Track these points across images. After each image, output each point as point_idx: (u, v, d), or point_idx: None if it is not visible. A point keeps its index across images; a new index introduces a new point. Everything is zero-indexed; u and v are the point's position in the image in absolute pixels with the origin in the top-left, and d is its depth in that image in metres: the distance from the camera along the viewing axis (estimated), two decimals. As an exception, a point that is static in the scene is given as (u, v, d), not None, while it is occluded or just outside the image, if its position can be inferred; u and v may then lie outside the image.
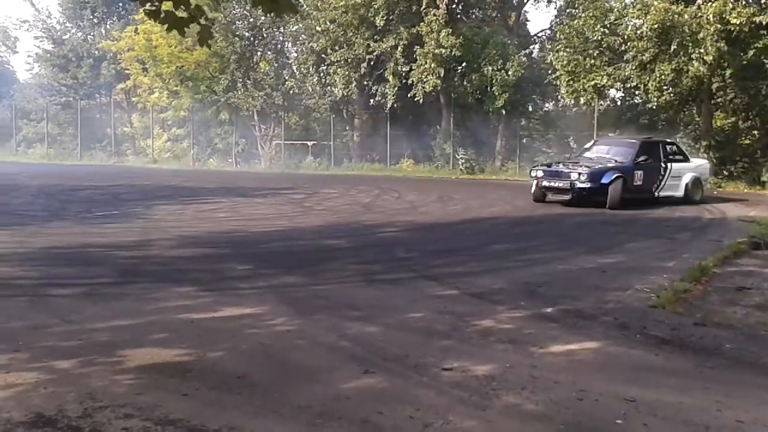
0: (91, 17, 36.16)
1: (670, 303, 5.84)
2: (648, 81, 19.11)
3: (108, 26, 36.73)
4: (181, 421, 3.39)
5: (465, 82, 25.95)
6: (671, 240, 9.98)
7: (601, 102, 23.17)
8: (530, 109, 27.42)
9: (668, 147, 15.43)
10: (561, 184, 14.24)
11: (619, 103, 24.69)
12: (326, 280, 6.92)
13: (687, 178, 15.09)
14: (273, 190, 18.13)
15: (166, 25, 4.30)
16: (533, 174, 14.97)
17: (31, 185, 18.57)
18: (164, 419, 3.41)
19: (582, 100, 21.51)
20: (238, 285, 6.69)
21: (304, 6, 26.61)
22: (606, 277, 7.18)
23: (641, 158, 14.52)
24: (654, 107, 20.43)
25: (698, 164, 15.94)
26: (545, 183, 14.53)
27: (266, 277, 6.97)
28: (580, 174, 13.95)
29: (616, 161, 14.52)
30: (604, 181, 13.75)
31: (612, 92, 22.99)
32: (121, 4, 36.03)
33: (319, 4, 26.31)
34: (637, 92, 21.58)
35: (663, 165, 14.85)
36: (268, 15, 28.78)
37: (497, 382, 3.96)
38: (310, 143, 29.66)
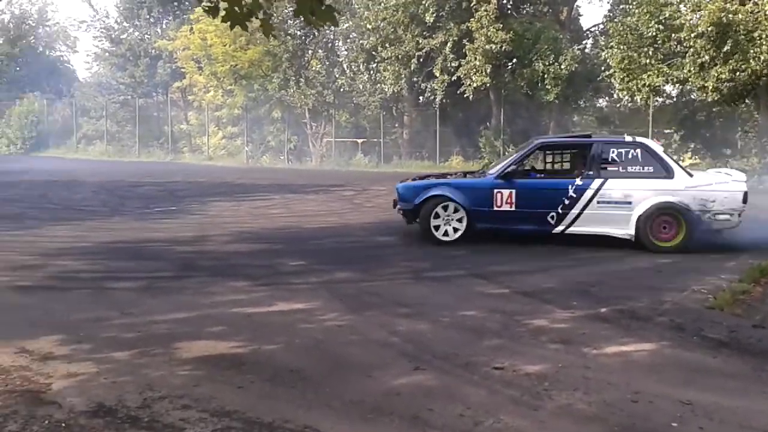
0: (148, 17, 37.03)
1: (728, 304, 5.68)
2: (706, 80, 18.51)
3: (164, 26, 37.59)
4: (236, 413, 3.48)
5: (515, 78, 25.66)
6: (729, 239, 9.67)
7: (657, 98, 22.56)
8: (583, 105, 26.91)
9: (615, 151, 8.74)
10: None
11: (675, 99, 23.99)
12: (376, 277, 6.97)
13: (642, 208, 8.42)
14: (324, 187, 18.31)
15: (228, 22, 4.39)
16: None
17: (92, 181, 19.22)
18: (220, 411, 3.50)
19: (637, 97, 20.97)
20: (290, 280, 6.80)
21: (355, 5, 26.71)
22: (662, 277, 7.02)
23: (521, 168, 9.36)
24: (711, 101, 19.75)
25: (696, 184, 8.45)
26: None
27: (318, 273, 7.07)
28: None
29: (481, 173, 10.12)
30: (416, 201, 9.15)
31: (668, 88, 22.35)
32: (176, 4, 36.82)
33: (369, 3, 26.42)
34: (693, 91, 20.91)
35: (579, 182, 8.65)
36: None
37: (549, 383, 3.93)
38: (360, 141, 29.82)
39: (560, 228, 8.71)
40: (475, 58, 23.90)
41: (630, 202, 8.47)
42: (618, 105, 26.87)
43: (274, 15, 27.01)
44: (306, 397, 3.72)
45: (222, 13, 4.36)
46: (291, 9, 29.00)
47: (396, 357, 4.41)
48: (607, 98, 27.84)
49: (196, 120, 34.15)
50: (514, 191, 8.76)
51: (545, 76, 24.16)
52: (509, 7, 27.29)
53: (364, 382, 3.95)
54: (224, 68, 29.95)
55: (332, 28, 29.77)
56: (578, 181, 8.65)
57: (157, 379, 3.93)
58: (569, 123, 26.08)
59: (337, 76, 29.85)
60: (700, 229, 8.34)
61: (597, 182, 8.58)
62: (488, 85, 24.61)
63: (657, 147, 8.88)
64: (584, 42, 28.76)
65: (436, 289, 6.49)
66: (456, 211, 8.95)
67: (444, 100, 26.13)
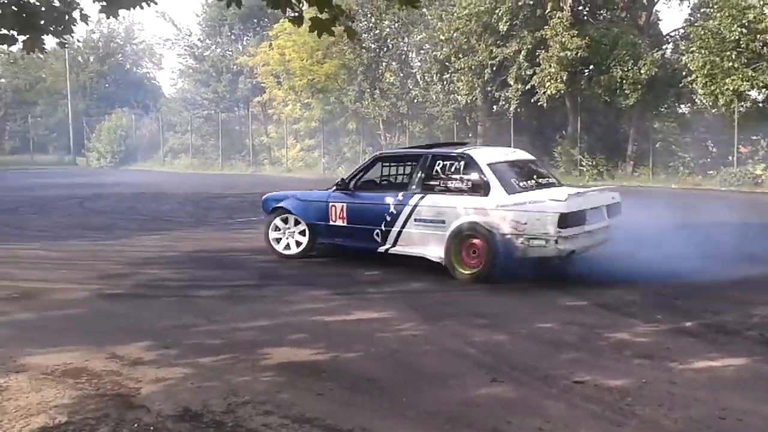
0: (229, 34, 38.45)
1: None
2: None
3: (244, 42, 38.88)
4: (316, 420, 3.57)
5: (592, 85, 25.09)
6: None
7: (742, 104, 21.53)
8: (664, 111, 25.99)
9: (440, 164, 7.70)
10: None
11: (762, 104, 22.82)
12: (452, 287, 6.96)
13: (450, 229, 7.35)
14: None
15: (315, 30, 4.53)
16: None
17: (178, 193, 20.03)
18: (301, 417, 3.60)
19: (720, 102, 20.09)
20: (366, 290, 6.90)
21: (428, 16, 26.84)
22: (749, 289, 6.68)
23: (361, 181, 8.50)
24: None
25: (511, 203, 7.08)
26: None
27: (393, 283, 7.13)
28: None
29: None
30: (268, 212, 9.12)
31: (753, 93, 21.29)
32: (256, 20, 38.03)
33: (442, 14, 26.53)
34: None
35: (400, 197, 7.79)
36: (394, 25, 29.48)
37: (632, 398, 3.83)
38: (433, 151, 29.82)
39: (385, 247, 7.93)
40: (550, 66, 23.56)
41: (443, 221, 7.40)
42: (698, 109, 25.82)
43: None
44: (383, 406, 3.77)
45: (307, 22, 4.49)
46: (365, 23, 29.49)
47: (472, 368, 4.40)
48: (689, 104, 26.79)
49: (275, 133, 35.07)
50: (345, 205, 8.22)
51: (623, 81, 23.52)
52: (585, 13, 26.79)
53: (440, 393, 3.96)
54: (302, 82, 30.69)
55: (406, 40, 30.07)
56: (399, 197, 7.79)
57: (240, 385, 4.06)
58: (650, 129, 25.22)
59: (410, 87, 30.05)
60: (512, 256, 6.94)
61: (415, 198, 7.65)
62: (564, 92, 24.20)
63: (482, 159, 7.51)
64: (664, 47, 27.82)
65: (513, 300, 6.43)
66: (297, 224, 8.65)
67: (518, 109, 25.86)
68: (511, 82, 25.14)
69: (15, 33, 5.41)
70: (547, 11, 24.37)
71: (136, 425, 3.52)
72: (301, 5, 4.44)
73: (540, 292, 6.70)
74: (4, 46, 5.53)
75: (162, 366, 4.42)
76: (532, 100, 24.70)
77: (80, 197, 18.06)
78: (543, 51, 24.04)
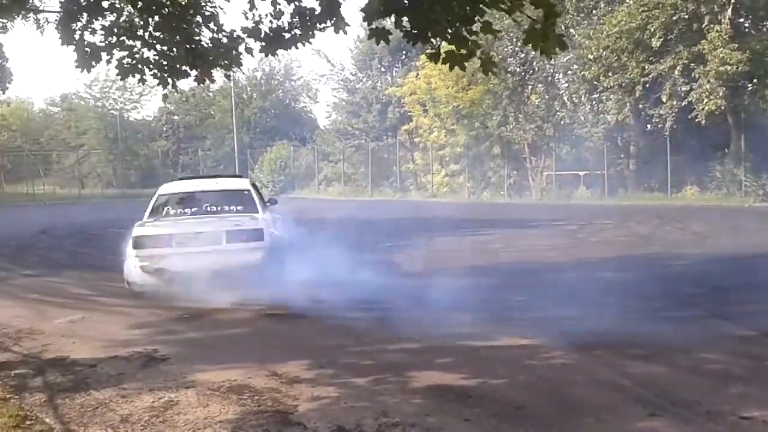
0: (379, 66, 40.21)
1: None
2: None
3: (393, 73, 40.38)
4: (464, 445, 3.60)
5: (757, 100, 23.16)
6: None
7: None
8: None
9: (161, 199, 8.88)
10: None
11: None
12: (603, 315, 6.69)
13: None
14: (545, 222, 18.01)
15: (448, 64, 4.67)
16: None
17: (331, 218, 20.93)
18: (451, 441, 3.64)
19: None
20: (514, 315, 6.83)
21: (575, 36, 26.23)
22: None
23: None
24: None
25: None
26: None
27: (541, 309, 7.00)
28: None
29: None
30: None
31: None
32: (404, 53, 39.29)
33: (591, 33, 25.81)
34: None
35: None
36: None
37: (809, 439, 3.50)
38: (582, 173, 28.89)
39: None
40: (708, 81, 22.15)
41: None
42: None
43: (494, 54, 27.56)
44: (532, 435, 3.72)
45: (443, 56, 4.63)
46: (510, 48, 29.38)
47: (628, 401, 4.22)
48: None
49: (421, 159, 35.80)
50: None
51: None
52: (746, 26, 24.92)
53: (594, 426, 3.84)
54: (447, 109, 31.12)
55: (552, 61, 29.56)
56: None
57: (390, 406, 4.18)
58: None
59: (557, 109, 29.41)
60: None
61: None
62: (724, 108, 22.57)
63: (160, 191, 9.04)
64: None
65: (673, 329, 6.06)
66: None
67: (674, 126, 24.44)
68: (665, 99, 23.89)
69: (188, 68, 6.06)
70: (704, 25, 23.02)
71: (293, 441, 3.72)
72: (439, 42, 4.58)
73: (703, 320, 6.29)
74: (176, 84, 6.19)
75: (318, 384, 4.64)
76: (689, 117, 23.26)
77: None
78: (700, 66, 22.68)
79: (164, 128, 52.78)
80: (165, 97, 6.59)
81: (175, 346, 5.83)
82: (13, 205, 34.13)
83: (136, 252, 7.62)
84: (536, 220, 18.80)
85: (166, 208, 8.59)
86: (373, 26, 4.81)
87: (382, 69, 40.51)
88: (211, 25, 6.02)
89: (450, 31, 4.45)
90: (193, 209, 8.58)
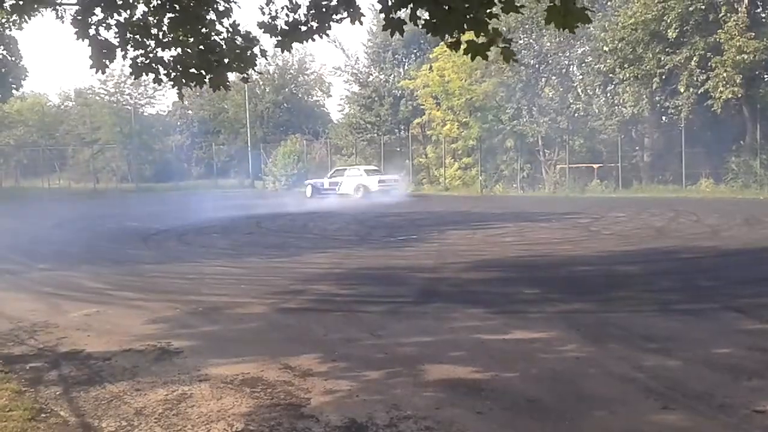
0: (392, 59, 40.04)
1: None
2: None
3: (406, 66, 40.26)
4: (476, 437, 3.60)
5: (773, 90, 22.94)
6: None
7: None
8: None
9: None
10: None
11: None
12: (617, 308, 6.68)
13: None
14: (558, 215, 17.93)
15: (470, 54, 4.63)
16: None
17: (344, 213, 20.99)
18: (461, 434, 3.64)
19: None
20: (526, 309, 6.81)
21: (590, 28, 26.09)
22: None
23: None
24: None
25: None
26: None
27: (554, 302, 6.97)
28: None
29: None
30: None
31: None
32: (419, 44, 39.20)
33: (606, 25, 25.62)
34: None
35: None
36: (554, 40, 28.88)
37: (825, 434, 3.47)
38: (595, 166, 28.73)
39: None
40: (724, 70, 21.93)
41: None
42: None
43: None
44: (545, 429, 3.71)
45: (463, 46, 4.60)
46: (524, 40, 29.20)
47: (641, 394, 4.20)
48: None
49: (433, 153, 35.68)
50: None
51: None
52: (763, 16, 24.64)
53: (606, 419, 3.83)
54: (460, 102, 31.01)
55: (567, 53, 29.39)
56: None
57: (402, 400, 4.18)
58: None
59: (571, 101, 29.24)
60: None
61: None
62: (740, 97, 22.35)
63: None
64: None
65: (686, 322, 6.02)
66: None
67: (689, 117, 24.23)
68: (682, 89, 23.69)
69: (203, 71, 6.06)
70: (720, 15, 22.79)
71: (305, 434, 3.73)
72: (459, 31, 4.55)
73: (718, 314, 6.24)
74: (190, 86, 6.20)
75: (330, 378, 4.65)
76: (705, 104, 23.07)
77: (258, 217, 19.52)
78: (716, 56, 22.47)
79: (178, 123, 53.12)
80: (181, 96, 6.60)
81: (188, 339, 5.87)
82: (29, 199, 34.49)
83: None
84: (549, 213, 18.73)
85: None
86: (390, 17, 4.78)
87: (395, 62, 40.46)
88: (225, 21, 6.01)
89: (470, 16, 4.41)
90: None
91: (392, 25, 4.79)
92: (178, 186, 41.56)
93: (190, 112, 53.38)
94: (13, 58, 33.36)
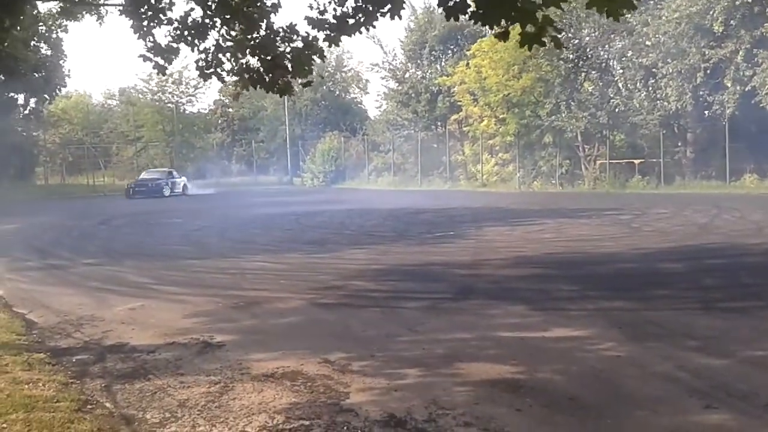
0: (429, 56, 39.94)
1: None
2: None
3: (443, 63, 40.08)
4: (516, 434, 3.59)
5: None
6: None
7: None
8: None
9: None
10: None
11: None
12: (658, 306, 6.57)
13: None
14: (597, 211, 17.67)
15: (524, 43, 4.60)
16: None
17: (382, 209, 21.04)
18: (500, 431, 3.64)
19: None
20: (565, 306, 6.75)
21: (632, 21, 25.63)
22: None
23: None
24: None
25: None
26: None
27: (594, 300, 6.90)
28: None
29: None
30: None
31: None
32: (456, 40, 39.01)
33: (648, 19, 25.12)
34: None
35: None
36: (594, 34, 28.43)
37: None
38: (637, 161, 28.21)
39: None
40: (773, 65, 21.34)
41: None
42: None
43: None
44: (586, 427, 3.68)
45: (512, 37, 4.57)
46: (564, 34, 28.79)
47: (683, 393, 4.14)
48: None
49: (470, 149, 35.50)
50: None
51: None
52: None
53: (648, 418, 3.78)
54: (497, 98, 30.75)
55: (606, 47, 28.90)
56: None
57: (441, 395, 4.19)
58: None
59: (611, 96, 28.74)
60: None
61: None
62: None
63: None
64: None
65: (730, 321, 5.90)
66: None
67: (735, 113, 23.63)
68: (728, 84, 23.10)
69: (268, 77, 6.14)
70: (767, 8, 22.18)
71: (345, 428, 3.75)
72: (507, 20, 4.51)
73: (762, 312, 6.09)
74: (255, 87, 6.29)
75: (368, 375, 4.66)
76: (753, 101, 22.44)
77: (297, 214, 19.71)
78: (764, 50, 21.85)
79: (219, 121, 53.82)
80: (237, 95, 6.69)
81: (230, 333, 5.97)
82: (75, 196, 35.40)
83: None
84: (589, 209, 18.48)
85: None
86: (448, 5, 4.77)
87: (432, 58, 40.32)
88: (274, 18, 6.04)
89: (518, 4, 4.37)
90: None
91: (453, 12, 4.78)
92: (219, 183, 42.18)
93: (230, 110, 54.04)
94: (60, 59, 34.22)
